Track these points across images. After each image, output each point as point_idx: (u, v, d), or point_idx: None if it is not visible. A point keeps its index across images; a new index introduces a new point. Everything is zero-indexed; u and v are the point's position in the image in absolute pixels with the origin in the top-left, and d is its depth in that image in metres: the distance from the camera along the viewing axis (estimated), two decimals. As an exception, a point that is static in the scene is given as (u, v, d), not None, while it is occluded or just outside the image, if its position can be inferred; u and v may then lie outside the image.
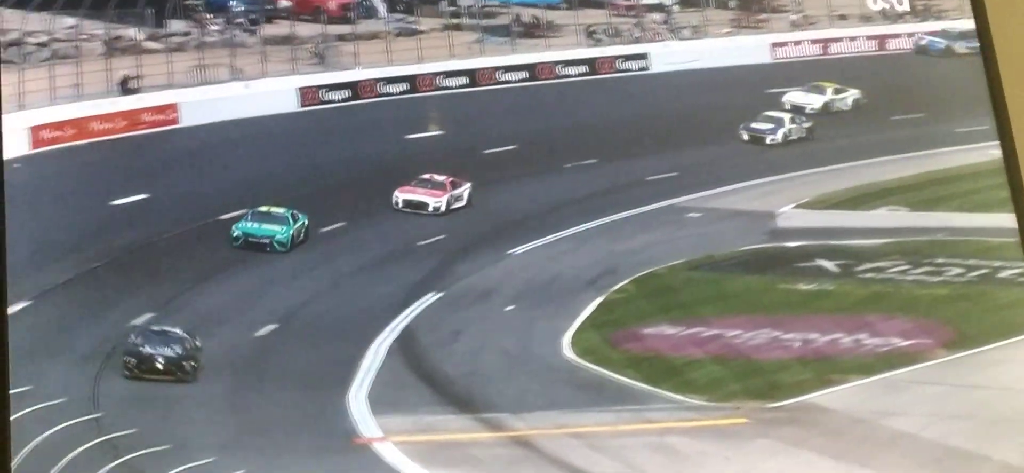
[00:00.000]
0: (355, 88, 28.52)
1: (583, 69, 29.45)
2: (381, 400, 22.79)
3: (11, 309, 23.32)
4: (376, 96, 28.61)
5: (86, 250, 24.61)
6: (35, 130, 26.36)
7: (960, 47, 28.86)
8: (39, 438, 20.61)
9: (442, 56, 28.98)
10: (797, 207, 27.19)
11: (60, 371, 22.29)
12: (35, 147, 26.42)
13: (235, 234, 25.42)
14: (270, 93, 28.05)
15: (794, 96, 29.51)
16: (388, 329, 24.11)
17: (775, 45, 30.55)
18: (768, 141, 28.42)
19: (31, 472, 20.34)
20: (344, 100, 28.52)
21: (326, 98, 28.48)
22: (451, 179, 26.61)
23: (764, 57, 30.43)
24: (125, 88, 27.34)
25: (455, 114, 28.65)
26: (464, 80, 29.07)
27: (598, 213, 26.56)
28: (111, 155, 26.68)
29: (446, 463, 21.92)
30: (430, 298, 24.90)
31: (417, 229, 26.16)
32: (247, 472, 21.05)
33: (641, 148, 28.00)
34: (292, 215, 25.58)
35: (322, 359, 23.39)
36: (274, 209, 25.52)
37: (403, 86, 28.63)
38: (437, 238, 26.07)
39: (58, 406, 21.36)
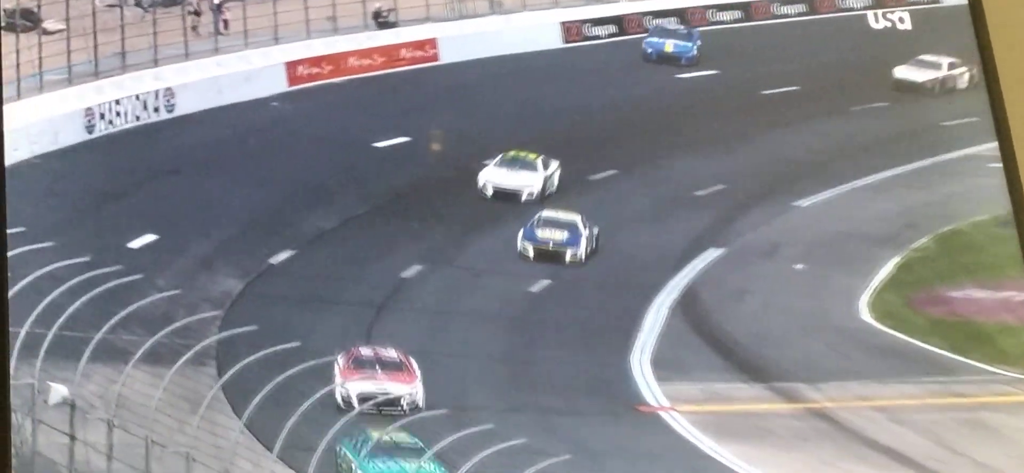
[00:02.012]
0: (621, 22, 26.75)
1: (867, 1, 27.08)
2: (664, 363, 21.06)
3: (275, 259, 22.11)
4: (643, 32, 26.78)
5: (350, 194, 23.25)
6: (291, 66, 25.01)
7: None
8: (314, 397, 19.25)
9: (709, -12, 27.11)
10: (1117, 157, 24.73)
11: (330, 323, 20.95)
12: (292, 84, 25.09)
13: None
14: (531, 28, 26.42)
15: (495, 177, 23.38)
16: (668, 286, 22.32)
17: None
18: (568, 259, 22.55)
19: (305, 425, 19.05)
20: (610, 36, 26.83)
21: (590, 33, 26.77)
22: (402, 353, 20.54)
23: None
24: (379, 21, 25.92)
25: (729, 50, 26.62)
26: (738, 14, 27.03)
27: (890, 162, 24.29)
28: (370, 93, 25.33)
29: (738, 436, 20.12)
30: (711, 254, 23.01)
31: (694, 177, 24.26)
32: (528, 442, 19.46)
33: (934, 90, 25.75)
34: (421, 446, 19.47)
35: (598, 318, 21.71)
36: (397, 437, 19.53)
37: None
38: (716, 188, 24.08)
39: (330, 363, 20.05)
